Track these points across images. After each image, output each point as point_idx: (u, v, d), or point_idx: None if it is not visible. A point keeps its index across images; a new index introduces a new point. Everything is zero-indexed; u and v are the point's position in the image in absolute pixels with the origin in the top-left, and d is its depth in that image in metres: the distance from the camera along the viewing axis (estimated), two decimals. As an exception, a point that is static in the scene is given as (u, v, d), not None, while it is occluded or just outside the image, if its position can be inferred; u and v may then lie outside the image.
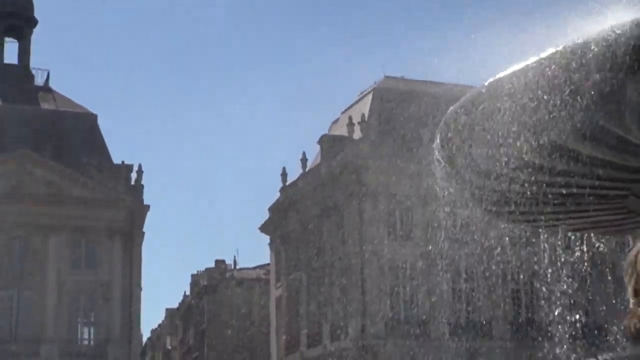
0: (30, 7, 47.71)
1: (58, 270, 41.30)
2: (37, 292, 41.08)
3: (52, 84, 47.30)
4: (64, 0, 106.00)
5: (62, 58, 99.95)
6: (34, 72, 47.26)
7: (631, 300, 1.52)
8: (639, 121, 4.14)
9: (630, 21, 3.90)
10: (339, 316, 40.05)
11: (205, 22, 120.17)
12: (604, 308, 33.75)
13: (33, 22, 47.82)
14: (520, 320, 38.94)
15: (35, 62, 48.13)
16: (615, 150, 4.38)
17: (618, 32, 3.86)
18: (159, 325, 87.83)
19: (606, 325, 36.02)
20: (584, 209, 5.17)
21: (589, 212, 5.26)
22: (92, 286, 41.99)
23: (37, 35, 49.45)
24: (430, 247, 34.96)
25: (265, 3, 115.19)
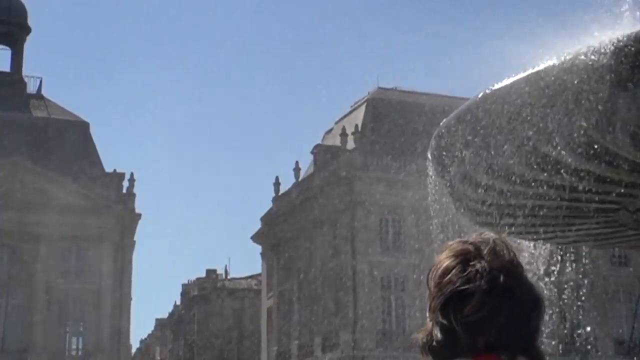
0: (23, 14, 47.63)
1: (47, 278, 40.98)
2: (26, 301, 40.74)
3: (45, 92, 47.22)
4: (58, 8, 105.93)
5: (55, 66, 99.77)
6: (26, 79, 47.13)
7: (427, 315, 1.61)
8: (629, 135, 4.17)
9: (621, 36, 3.94)
10: (331, 327, 39.92)
11: (197, 33, 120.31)
12: (595, 320, 33.78)
13: (26, 30, 47.74)
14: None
15: (28, 69, 48.04)
16: (607, 164, 4.40)
17: (609, 46, 3.89)
18: (149, 335, 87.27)
19: (595, 338, 36.05)
20: (576, 222, 5.19)
21: (580, 225, 5.28)
22: (81, 295, 41.68)
23: (30, 43, 49.32)
24: (422, 259, 34.95)
25: (260, 12, 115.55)
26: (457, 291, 1.58)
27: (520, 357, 1.57)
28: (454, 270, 1.60)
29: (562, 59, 4.09)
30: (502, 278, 1.57)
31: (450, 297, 1.59)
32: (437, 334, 1.60)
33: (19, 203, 40.89)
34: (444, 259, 1.64)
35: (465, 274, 1.59)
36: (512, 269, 1.60)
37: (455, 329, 1.57)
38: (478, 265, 1.58)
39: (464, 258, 1.61)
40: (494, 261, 1.59)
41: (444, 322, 1.59)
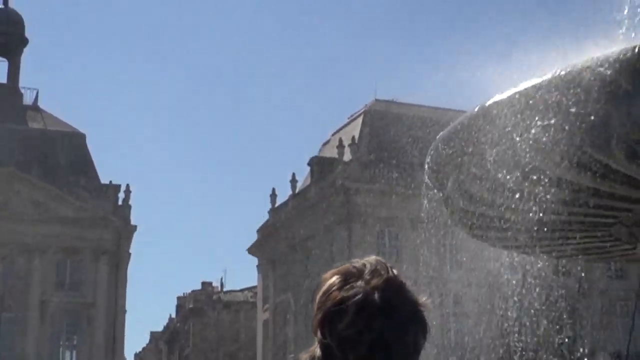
0: (21, 26, 47.71)
1: (42, 290, 40.80)
2: (20, 313, 40.53)
3: (41, 103, 47.20)
4: (55, 20, 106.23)
5: (52, 77, 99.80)
6: (23, 91, 47.14)
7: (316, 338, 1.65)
8: (625, 150, 4.18)
9: (617, 52, 3.96)
10: (326, 340, 39.74)
11: (194, 45, 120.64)
12: (592, 333, 33.72)
13: (23, 42, 47.80)
14: (509, 343, 38.80)
15: (24, 81, 48.09)
16: (603, 179, 4.41)
17: (605, 62, 3.91)
18: (143, 349, 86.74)
19: (591, 352, 35.98)
20: (572, 236, 5.19)
21: (576, 239, 5.28)
22: (75, 308, 41.47)
23: (27, 55, 49.31)
24: (418, 271, 34.88)
25: (256, 23, 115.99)
26: (334, 309, 1.66)
27: None
28: (333, 289, 1.69)
29: (558, 74, 4.11)
30: (376, 295, 1.65)
31: (326, 314, 1.67)
32: (318, 351, 1.67)
33: (14, 214, 40.76)
34: (327, 279, 1.72)
35: (343, 292, 1.67)
36: (389, 287, 1.68)
37: (331, 346, 1.65)
38: (356, 284, 1.67)
39: (345, 278, 1.70)
40: (372, 280, 1.68)
41: (323, 339, 1.66)
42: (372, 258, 1.75)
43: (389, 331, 1.64)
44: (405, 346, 1.66)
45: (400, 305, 1.67)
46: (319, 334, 1.68)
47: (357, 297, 1.65)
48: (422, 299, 1.72)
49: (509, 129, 4.39)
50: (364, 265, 1.72)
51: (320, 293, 1.71)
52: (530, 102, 4.20)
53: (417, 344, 1.68)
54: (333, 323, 1.65)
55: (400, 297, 1.69)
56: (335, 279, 1.71)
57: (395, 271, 1.73)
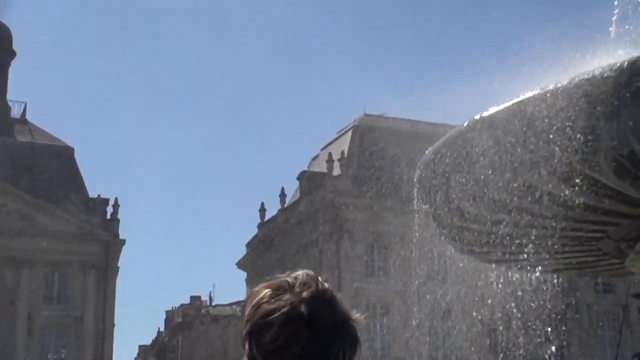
0: (8, 39, 47.59)
1: (29, 304, 40.46)
2: (8, 327, 40.15)
3: (29, 116, 46.98)
4: (44, 33, 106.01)
5: (40, 90, 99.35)
6: (10, 104, 46.92)
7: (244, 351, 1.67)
8: (613, 164, 4.22)
9: (603, 68, 4.00)
10: (316, 354, 39.60)
11: (182, 61, 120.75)
12: (580, 347, 33.77)
13: (11, 55, 47.67)
14: (497, 357, 38.76)
15: (12, 94, 47.83)
16: (591, 193, 4.45)
17: (594, 78, 3.96)
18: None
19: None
20: (560, 250, 5.23)
21: (564, 253, 5.31)
22: (64, 321, 41.14)
23: (15, 67, 49.06)
24: (407, 285, 34.91)
25: (247, 38, 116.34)
26: (261, 321, 1.68)
27: None
28: (263, 302, 1.71)
29: (546, 89, 4.15)
30: (303, 307, 1.66)
31: (254, 327, 1.68)
32: None
33: (2, 228, 40.45)
34: (258, 292, 1.75)
35: (271, 305, 1.69)
36: (317, 299, 1.69)
37: (257, 359, 1.66)
38: (284, 297, 1.68)
39: (275, 291, 1.72)
40: (301, 293, 1.69)
41: (249, 352, 1.68)
42: (303, 272, 1.75)
43: (314, 343, 1.63)
44: (331, 355, 1.65)
45: (327, 318, 1.67)
46: (246, 346, 1.68)
47: (284, 309, 1.66)
48: (355, 314, 1.72)
49: (498, 143, 4.42)
50: (295, 278, 1.73)
51: (250, 306, 1.72)
52: (519, 117, 4.24)
53: (345, 357, 1.67)
54: (260, 335, 1.66)
55: (328, 310, 1.68)
56: (265, 292, 1.72)
57: (326, 285, 1.73)
